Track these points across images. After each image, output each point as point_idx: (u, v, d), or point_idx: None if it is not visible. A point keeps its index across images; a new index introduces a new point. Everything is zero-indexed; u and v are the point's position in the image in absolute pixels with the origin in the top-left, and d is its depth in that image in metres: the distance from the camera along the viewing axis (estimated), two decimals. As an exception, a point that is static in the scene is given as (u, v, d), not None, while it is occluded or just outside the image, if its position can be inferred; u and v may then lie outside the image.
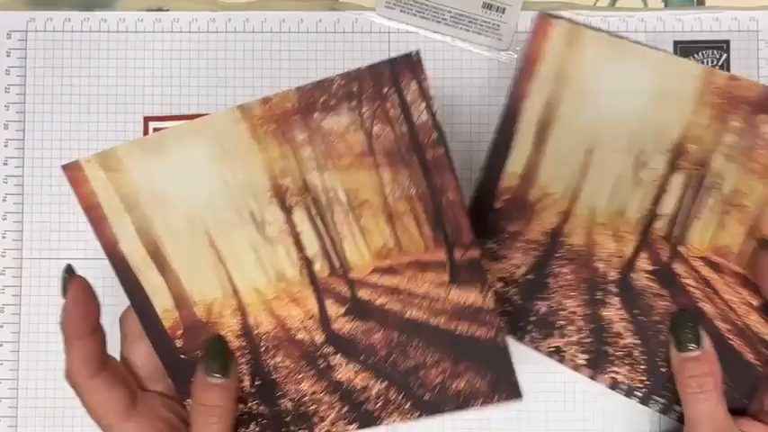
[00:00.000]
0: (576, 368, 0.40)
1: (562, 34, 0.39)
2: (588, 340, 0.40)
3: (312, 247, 0.37)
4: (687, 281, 0.39)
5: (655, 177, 0.39)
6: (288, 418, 0.38)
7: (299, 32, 0.48)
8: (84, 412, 0.46)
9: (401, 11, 0.47)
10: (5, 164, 0.47)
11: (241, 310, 0.38)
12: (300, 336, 0.38)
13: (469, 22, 0.47)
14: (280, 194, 0.37)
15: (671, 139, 0.39)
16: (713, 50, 0.47)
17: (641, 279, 0.39)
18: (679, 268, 0.39)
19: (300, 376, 0.38)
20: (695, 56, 0.47)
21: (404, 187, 0.36)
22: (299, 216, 0.37)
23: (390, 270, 0.37)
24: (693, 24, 0.47)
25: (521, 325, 0.40)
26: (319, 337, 0.38)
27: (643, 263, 0.39)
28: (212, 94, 0.47)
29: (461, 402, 0.37)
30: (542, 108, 0.40)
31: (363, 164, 0.36)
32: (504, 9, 0.47)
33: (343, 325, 0.38)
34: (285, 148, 0.36)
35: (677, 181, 0.39)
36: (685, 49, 0.47)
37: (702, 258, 0.39)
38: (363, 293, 0.38)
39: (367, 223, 0.37)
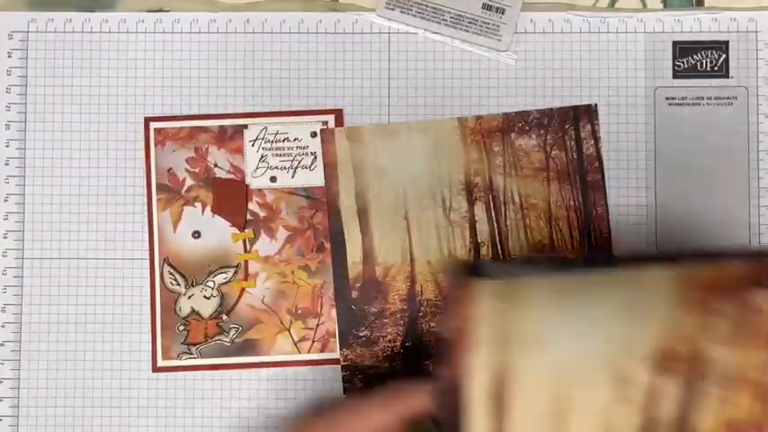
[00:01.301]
0: None
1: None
2: None
3: (483, 233, 0.47)
4: None
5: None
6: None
7: (299, 33, 0.48)
8: (84, 412, 0.46)
9: (401, 12, 0.47)
10: (7, 164, 0.47)
11: (412, 277, 0.46)
12: None
13: (469, 22, 0.47)
14: (469, 188, 0.47)
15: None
16: (712, 51, 0.47)
17: None
18: None
19: None
20: (694, 56, 0.47)
21: (565, 199, 0.47)
22: (480, 208, 0.47)
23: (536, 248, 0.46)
24: (692, 25, 0.47)
25: None
26: None
27: None
28: (213, 94, 0.47)
29: None
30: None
31: (538, 176, 0.47)
32: (504, 10, 0.47)
33: None
34: (483, 154, 0.47)
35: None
36: (684, 49, 0.47)
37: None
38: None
39: (531, 222, 0.47)
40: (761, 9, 0.47)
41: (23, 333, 0.46)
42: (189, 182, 0.47)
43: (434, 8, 0.47)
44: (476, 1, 0.47)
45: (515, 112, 0.47)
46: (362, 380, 0.45)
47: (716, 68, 0.47)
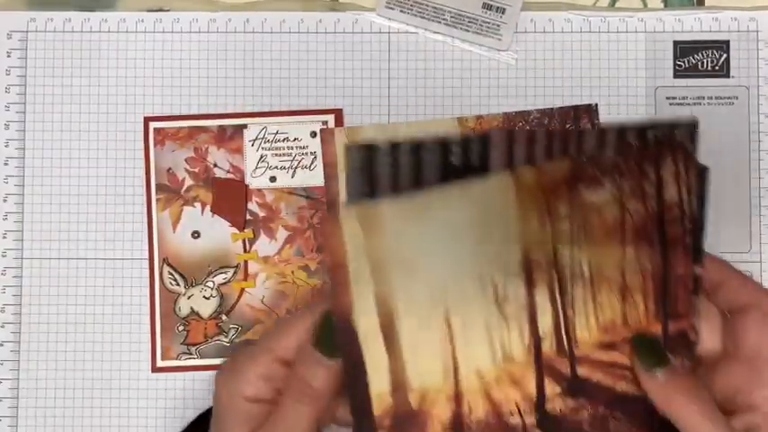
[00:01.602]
0: None
1: (354, 221, 0.33)
2: None
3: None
4: (596, 377, 0.37)
5: (520, 304, 0.36)
6: None
7: (299, 33, 0.48)
8: (84, 412, 0.46)
9: (401, 11, 0.47)
10: (6, 164, 0.47)
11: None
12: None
13: (469, 22, 0.47)
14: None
15: (516, 259, 0.35)
16: (713, 51, 0.47)
17: (556, 404, 0.37)
18: (584, 371, 0.37)
19: None
20: (695, 56, 0.47)
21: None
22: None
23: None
24: (693, 24, 0.47)
25: None
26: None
27: (551, 389, 0.36)
28: (212, 94, 0.47)
29: None
30: (376, 309, 0.34)
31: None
32: (504, 9, 0.47)
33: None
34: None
35: (541, 293, 0.36)
36: (685, 49, 0.47)
37: (597, 346, 0.37)
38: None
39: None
40: (762, 9, 0.47)
41: (23, 333, 0.46)
42: (188, 182, 0.47)
43: (434, 7, 0.47)
44: (476, 0, 0.47)
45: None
46: None
47: (717, 68, 0.47)
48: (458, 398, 0.35)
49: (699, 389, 0.34)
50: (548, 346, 0.36)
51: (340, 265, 0.34)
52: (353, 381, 0.34)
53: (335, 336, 0.34)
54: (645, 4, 0.48)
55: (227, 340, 0.46)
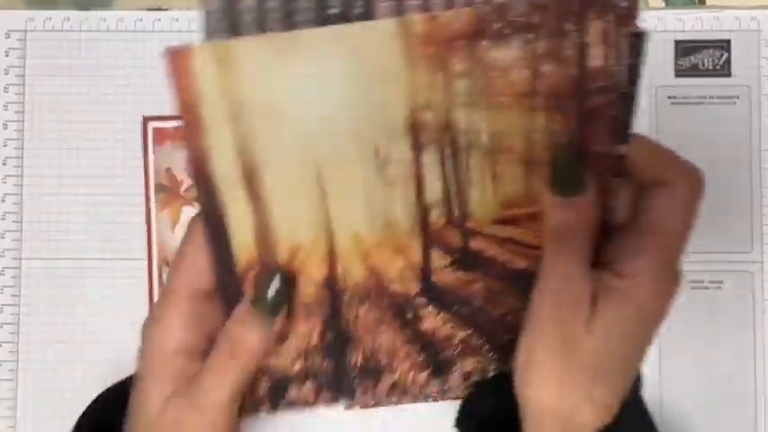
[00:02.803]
0: (424, 388, 0.37)
1: (208, 60, 0.30)
2: (421, 358, 0.36)
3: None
4: (491, 252, 0.35)
5: (405, 169, 0.32)
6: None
7: (298, 32, 0.47)
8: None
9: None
10: (4, 163, 0.47)
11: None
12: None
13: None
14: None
15: (401, 118, 0.32)
16: (714, 50, 0.47)
17: (445, 276, 0.35)
18: (477, 245, 0.34)
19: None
20: (696, 55, 0.47)
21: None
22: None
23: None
24: (694, 24, 0.47)
25: (345, 386, 0.36)
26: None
27: (438, 260, 0.35)
28: (212, 93, 0.47)
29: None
30: (237, 156, 0.31)
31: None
32: (505, 8, 0.46)
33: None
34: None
35: (430, 159, 0.32)
36: (686, 48, 0.47)
37: (495, 221, 0.34)
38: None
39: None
40: (763, 8, 0.47)
41: (21, 334, 0.46)
42: (187, 182, 0.47)
43: (435, 7, 0.47)
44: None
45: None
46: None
47: (718, 67, 0.47)
48: (332, 259, 0.34)
49: (590, 233, 0.31)
50: (435, 216, 0.34)
51: (192, 106, 0.30)
52: (213, 234, 0.32)
53: (275, 296, 0.32)
54: (646, 3, 0.48)
55: (226, 341, 0.46)
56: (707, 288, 0.46)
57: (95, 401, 0.37)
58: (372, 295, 0.35)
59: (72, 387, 0.46)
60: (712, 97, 0.47)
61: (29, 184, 0.47)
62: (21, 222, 0.47)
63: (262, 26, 0.30)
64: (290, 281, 0.33)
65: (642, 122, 0.47)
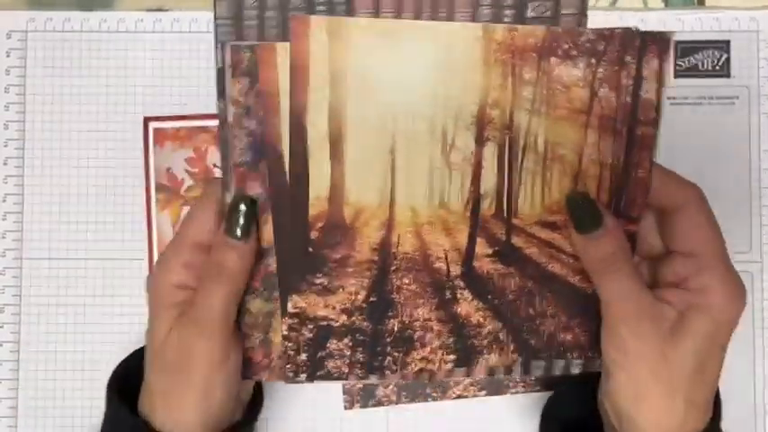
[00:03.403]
0: (449, 374, 0.39)
1: (324, 31, 0.35)
2: (451, 341, 0.39)
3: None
4: (529, 251, 0.38)
5: (467, 156, 0.37)
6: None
7: (298, 32, 0.47)
8: (84, 413, 0.46)
9: (401, 11, 0.47)
10: (5, 164, 0.47)
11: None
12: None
13: (470, 21, 0.47)
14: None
15: (471, 111, 0.36)
16: (714, 50, 0.47)
17: (485, 265, 0.38)
18: (518, 241, 0.38)
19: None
20: (695, 56, 0.47)
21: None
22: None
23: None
24: (694, 24, 0.47)
25: (378, 350, 0.38)
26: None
27: (482, 248, 0.38)
28: (212, 93, 0.47)
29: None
30: (328, 118, 0.36)
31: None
32: (505, 9, 0.47)
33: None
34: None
35: (490, 153, 0.37)
36: (686, 48, 0.47)
37: (538, 223, 0.38)
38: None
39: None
40: (762, 8, 0.47)
41: (22, 333, 0.46)
42: (188, 182, 0.47)
43: (434, 7, 0.47)
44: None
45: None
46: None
47: (717, 68, 0.47)
48: (389, 226, 0.38)
49: (626, 254, 0.36)
50: (486, 206, 0.38)
51: (302, 67, 0.35)
52: (296, 179, 0.37)
53: (244, 219, 0.36)
54: (645, 4, 0.48)
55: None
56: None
57: (118, 366, 0.41)
58: (418, 267, 0.38)
59: (72, 387, 0.46)
60: (711, 98, 0.47)
61: (30, 185, 0.47)
62: (22, 222, 0.47)
63: (262, 34, 0.36)
64: (253, 204, 0.37)
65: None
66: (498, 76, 0.36)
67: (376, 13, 0.36)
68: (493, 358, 0.39)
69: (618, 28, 0.36)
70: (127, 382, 0.39)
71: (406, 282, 0.38)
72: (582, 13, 0.36)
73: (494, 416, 0.46)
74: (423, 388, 0.45)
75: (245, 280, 0.37)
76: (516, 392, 0.45)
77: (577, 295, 0.38)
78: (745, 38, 0.47)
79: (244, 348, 0.38)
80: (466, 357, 0.39)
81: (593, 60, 0.36)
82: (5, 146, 0.47)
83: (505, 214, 0.38)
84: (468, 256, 0.38)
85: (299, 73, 0.36)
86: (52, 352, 0.46)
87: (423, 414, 0.46)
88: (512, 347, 0.39)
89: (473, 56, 0.36)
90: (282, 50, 0.36)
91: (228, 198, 0.37)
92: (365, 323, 0.38)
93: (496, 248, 0.38)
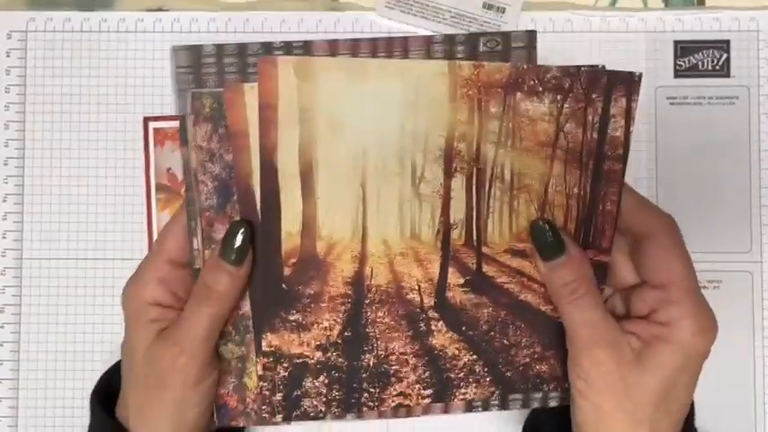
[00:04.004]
0: (426, 410, 0.39)
1: (291, 71, 0.36)
2: (426, 374, 0.38)
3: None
4: (500, 279, 0.39)
5: (436, 188, 0.38)
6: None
7: (299, 32, 0.47)
8: (84, 413, 0.46)
9: (401, 11, 0.47)
10: (6, 164, 0.47)
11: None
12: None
13: (469, 22, 0.47)
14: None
15: (438, 145, 0.37)
16: (713, 50, 0.47)
17: (457, 295, 0.39)
18: (489, 270, 0.38)
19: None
20: (695, 56, 0.47)
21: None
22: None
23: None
24: (694, 24, 0.47)
25: (355, 386, 0.38)
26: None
27: (454, 278, 0.38)
28: (212, 94, 0.47)
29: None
30: (299, 155, 0.37)
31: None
32: (505, 9, 0.47)
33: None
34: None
35: (458, 184, 0.38)
36: (686, 48, 0.47)
37: (507, 251, 0.38)
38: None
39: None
40: (762, 8, 0.47)
41: (22, 333, 0.46)
42: (188, 182, 0.47)
43: (434, 7, 0.47)
44: (476, 0, 0.47)
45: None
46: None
47: (717, 68, 0.47)
48: (362, 259, 0.38)
49: (589, 282, 0.36)
50: (456, 236, 0.38)
51: (270, 106, 0.36)
52: (268, 215, 0.37)
53: (239, 244, 0.36)
54: (645, 4, 0.48)
55: (226, 340, 0.46)
56: (706, 288, 0.46)
57: (103, 375, 0.41)
58: (392, 299, 0.38)
59: (73, 386, 0.46)
60: (711, 98, 0.47)
61: (30, 185, 0.47)
62: (22, 222, 0.47)
63: (221, 80, 0.37)
64: (251, 232, 0.37)
65: (641, 123, 0.47)
66: (465, 110, 0.37)
67: (333, 55, 0.37)
68: (470, 392, 0.39)
69: (585, 66, 0.37)
70: (110, 391, 0.39)
71: (381, 315, 0.38)
72: (531, 46, 0.37)
73: (493, 416, 0.46)
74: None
75: (233, 305, 0.37)
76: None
77: (550, 324, 0.38)
78: (745, 38, 0.47)
79: (218, 393, 0.38)
80: (443, 391, 0.38)
81: (559, 97, 0.37)
82: (6, 146, 0.47)
83: (475, 243, 0.38)
84: (441, 286, 0.38)
85: (268, 113, 0.36)
86: (52, 352, 0.46)
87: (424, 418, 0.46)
88: (488, 380, 0.39)
89: (440, 91, 0.37)
90: (250, 90, 0.36)
91: (196, 244, 0.37)
92: (340, 359, 0.38)
93: (468, 278, 0.38)
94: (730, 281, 0.46)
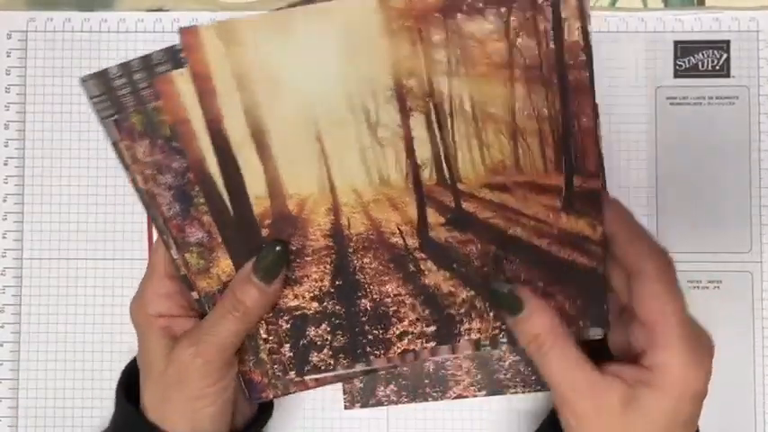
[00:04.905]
0: (434, 353, 0.38)
1: (216, 38, 0.35)
2: (426, 312, 0.38)
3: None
4: (483, 215, 0.37)
5: (395, 130, 0.36)
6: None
7: (299, 32, 0.47)
8: (84, 413, 0.46)
9: (401, 11, 0.47)
10: (6, 164, 0.47)
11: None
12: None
13: (469, 22, 0.47)
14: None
15: (387, 85, 0.35)
16: (713, 50, 0.47)
17: (441, 233, 0.37)
18: (469, 207, 0.37)
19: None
20: (695, 56, 0.47)
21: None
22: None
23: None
24: (693, 24, 0.47)
25: (357, 330, 0.38)
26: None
27: (434, 218, 0.37)
28: (212, 94, 0.47)
29: None
30: (246, 120, 0.36)
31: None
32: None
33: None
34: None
35: (418, 123, 0.36)
36: (686, 48, 0.47)
37: (485, 186, 0.37)
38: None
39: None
40: (762, 9, 0.47)
41: (22, 333, 0.46)
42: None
43: (434, 7, 0.47)
44: (476, 0, 0.46)
45: None
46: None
47: (717, 68, 0.47)
48: (336, 211, 0.37)
49: (554, 333, 0.35)
50: (427, 176, 0.37)
51: (204, 77, 0.35)
52: (233, 185, 0.37)
53: (273, 262, 0.36)
54: (645, 4, 0.48)
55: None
56: (706, 288, 0.46)
57: (124, 370, 0.42)
58: (375, 246, 0.38)
59: (72, 387, 0.46)
60: (711, 98, 0.47)
61: (30, 185, 0.47)
62: (22, 223, 0.47)
63: (138, 96, 0.37)
64: (287, 251, 0.37)
65: (641, 123, 0.47)
66: (405, 44, 0.35)
67: None
68: (474, 327, 0.37)
69: None
70: (131, 382, 0.40)
71: (367, 261, 0.38)
72: None
73: (493, 416, 0.46)
74: (423, 387, 0.45)
75: (260, 320, 0.38)
76: (516, 392, 0.45)
77: (549, 260, 0.37)
78: (745, 38, 0.47)
79: (242, 371, 0.39)
80: (446, 328, 0.38)
81: (503, 10, 0.34)
82: (6, 146, 0.47)
83: (449, 181, 0.37)
84: (422, 227, 0.37)
85: (203, 84, 0.35)
86: (52, 352, 0.46)
87: (422, 414, 0.46)
88: (491, 314, 0.37)
89: (374, 29, 0.35)
90: (180, 77, 0.36)
91: (175, 254, 0.38)
92: (337, 306, 0.38)
93: (448, 216, 0.37)
94: (730, 281, 0.46)
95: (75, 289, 0.47)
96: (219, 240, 0.38)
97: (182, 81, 0.36)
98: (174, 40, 0.48)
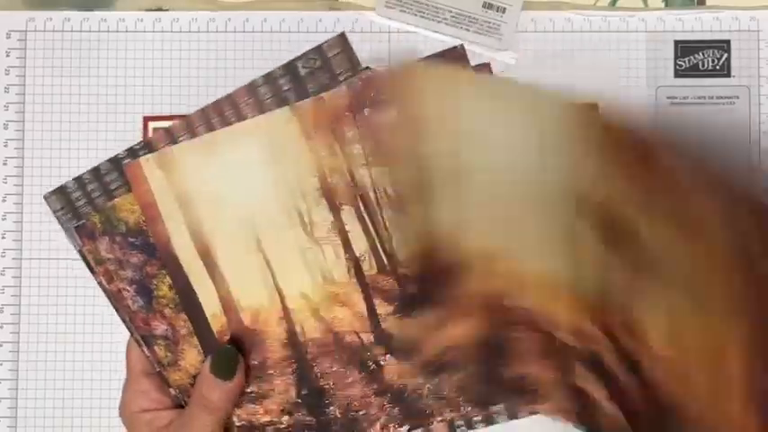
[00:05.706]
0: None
1: (155, 166, 0.38)
2: (396, 410, 0.38)
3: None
4: None
5: (329, 228, 0.38)
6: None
7: (299, 32, 0.47)
8: (83, 413, 0.46)
9: (401, 11, 0.47)
10: (5, 164, 0.47)
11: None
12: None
13: (470, 21, 0.47)
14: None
15: (314, 186, 0.38)
16: (714, 50, 0.47)
17: (393, 324, 0.38)
18: (413, 289, 0.38)
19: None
20: (696, 56, 0.47)
21: None
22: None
23: None
24: (694, 24, 0.47)
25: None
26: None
27: (382, 308, 0.38)
28: (212, 94, 0.47)
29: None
30: (192, 240, 0.38)
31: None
32: (505, 9, 0.47)
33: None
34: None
35: (349, 216, 0.38)
36: (686, 48, 0.47)
37: None
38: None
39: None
40: (763, 8, 0.47)
41: (22, 334, 0.46)
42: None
43: (434, 7, 0.47)
44: (476, 0, 0.47)
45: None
46: None
47: (718, 68, 0.47)
48: (288, 318, 0.38)
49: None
50: (368, 267, 0.38)
51: (150, 204, 0.38)
52: (189, 305, 0.38)
53: (228, 364, 0.37)
54: (645, 4, 0.48)
55: (226, 340, 0.46)
56: (706, 288, 0.46)
57: None
58: (332, 348, 0.38)
59: (72, 387, 0.46)
60: (712, 98, 0.47)
61: (30, 185, 0.47)
62: (21, 222, 0.47)
63: (95, 204, 0.39)
64: (240, 345, 0.38)
65: (642, 123, 0.47)
66: (323, 144, 0.37)
67: (173, 141, 0.38)
68: (447, 417, 0.37)
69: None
70: None
71: (327, 365, 0.38)
72: (346, 49, 0.37)
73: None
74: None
75: (232, 409, 0.39)
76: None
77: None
78: (745, 38, 0.47)
79: None
80: (419, 420, 0.38)
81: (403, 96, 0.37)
82: (5, 145, 0.47)
83: (388, 268, 0.38)
84: (374, 320, 0.38)
85: (150, 210, 0.38)
86: (52, 352, 0.46)
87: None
88: (460, 399, 0.37)
89: (293, 136, 0.37)
90: (146, 162, 0.38)
91: (146, 351, 0.39)
92: (308, 417, 0.38)
93: (396, 303, 0.38)
94: (730, 281, 0.46)
95: (75, 289, 0.47)
96: (183, 333, 0.39)
97: (148, 167, 0.38)
98: (174, 39, 0.48)
